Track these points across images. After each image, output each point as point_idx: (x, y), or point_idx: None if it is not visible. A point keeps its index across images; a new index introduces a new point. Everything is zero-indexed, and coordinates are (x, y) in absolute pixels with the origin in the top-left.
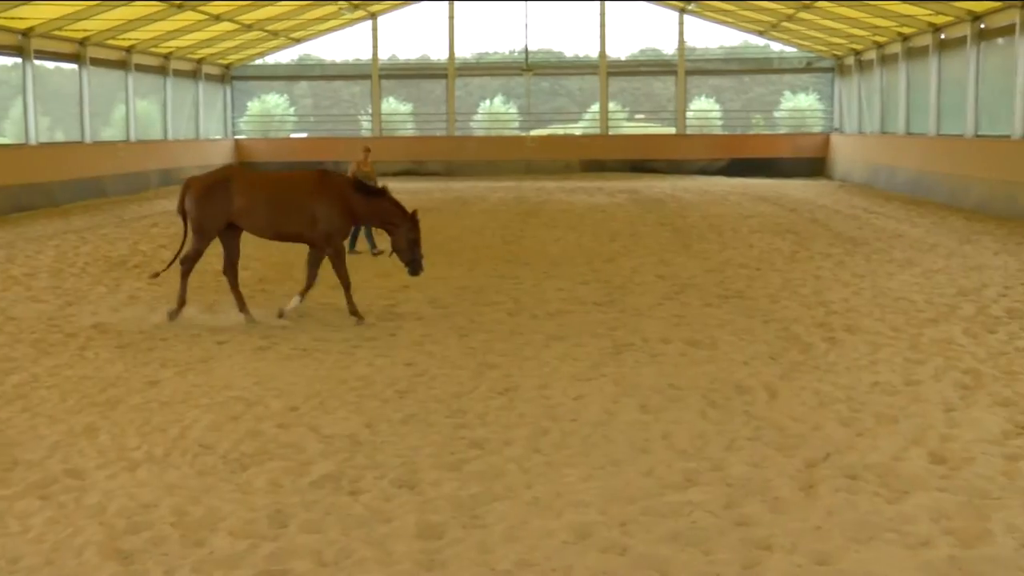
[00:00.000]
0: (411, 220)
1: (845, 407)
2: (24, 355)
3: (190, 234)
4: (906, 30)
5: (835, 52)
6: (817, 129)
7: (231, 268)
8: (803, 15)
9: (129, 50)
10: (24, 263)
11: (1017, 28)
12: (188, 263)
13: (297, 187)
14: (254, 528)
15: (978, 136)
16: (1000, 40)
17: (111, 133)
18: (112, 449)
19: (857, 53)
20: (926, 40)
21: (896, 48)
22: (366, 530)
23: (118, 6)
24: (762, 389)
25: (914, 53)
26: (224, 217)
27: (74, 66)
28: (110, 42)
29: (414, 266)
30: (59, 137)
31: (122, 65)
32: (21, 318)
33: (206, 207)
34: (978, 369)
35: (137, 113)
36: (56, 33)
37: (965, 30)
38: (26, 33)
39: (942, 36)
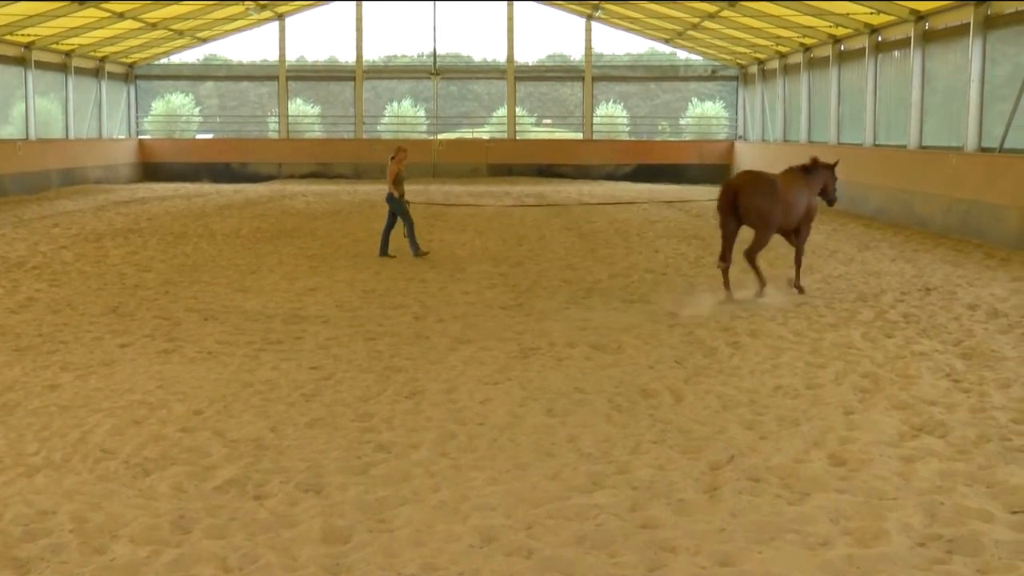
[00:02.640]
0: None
1: (748, 410)
2: None
3: (753, 228)
4: (808, 41)
5: (739, 61)
6: (722, 136)
7: (726, 260)
8: (708, 24)
9: (29, 46)
10: None
11: (912, 42)
12: (753, 253)
13: (800, 185)
14: (156, 534)
15: (876, 146)
16: (896, 53)
17: (10, 131)
18: (8, 455)
19: (761, 62)
20: (827, 51)
21: (798, 58)
22: (271, 535)
23: (17, 1)
24: (667, 393)
25: (816, 63)
26: (779, 214)
27: None
28: (8, 37)
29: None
30: None
31: (21, 62)
32: None
33: (774, 203)
34: (876, 373)
35: (37, 111)
36: None
37: (863, 42)
38: None
39: (842, 47)
